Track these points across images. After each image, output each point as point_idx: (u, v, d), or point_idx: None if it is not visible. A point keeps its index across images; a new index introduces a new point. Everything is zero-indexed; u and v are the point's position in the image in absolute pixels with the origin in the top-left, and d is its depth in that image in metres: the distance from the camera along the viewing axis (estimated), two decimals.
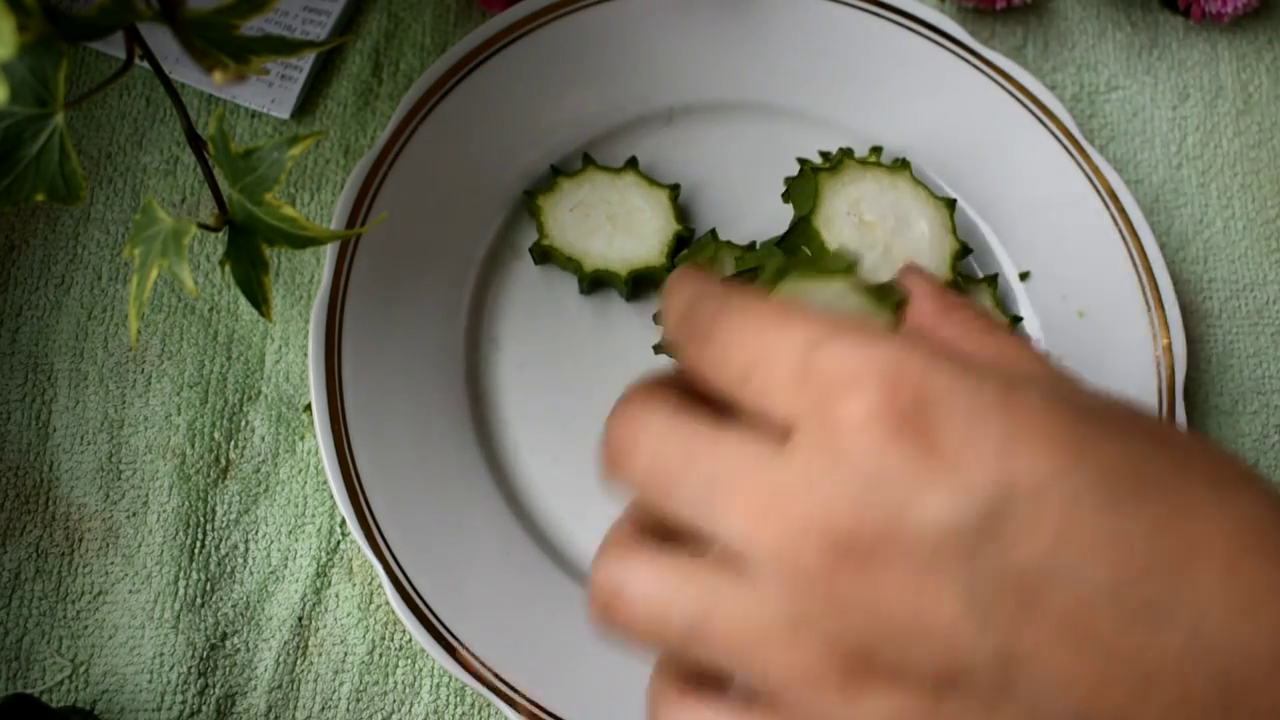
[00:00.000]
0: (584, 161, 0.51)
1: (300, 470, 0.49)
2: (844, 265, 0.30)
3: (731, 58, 0.53)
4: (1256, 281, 0.54)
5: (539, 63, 0.52)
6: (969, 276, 0.50)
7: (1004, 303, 0.50)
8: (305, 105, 0.53)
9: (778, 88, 0.53)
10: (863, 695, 0.24)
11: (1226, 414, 0.52)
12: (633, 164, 0.51)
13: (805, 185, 0.48)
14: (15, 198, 0.37)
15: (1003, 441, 0.23)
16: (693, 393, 0.28)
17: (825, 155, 0.52)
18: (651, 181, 0.51)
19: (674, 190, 0.51)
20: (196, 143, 0.41)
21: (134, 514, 0.48)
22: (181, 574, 0.47)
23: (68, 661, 0.47)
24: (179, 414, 0.49)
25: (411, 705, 0.47)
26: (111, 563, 0.48)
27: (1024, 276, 0.51)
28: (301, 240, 0.39)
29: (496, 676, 0.45)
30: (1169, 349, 0.49)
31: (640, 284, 0.50)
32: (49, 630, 0.47)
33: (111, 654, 0.47)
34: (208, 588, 0.47)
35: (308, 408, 0.50)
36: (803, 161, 0.49)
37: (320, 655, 0.47)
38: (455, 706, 0.47)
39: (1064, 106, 0.52)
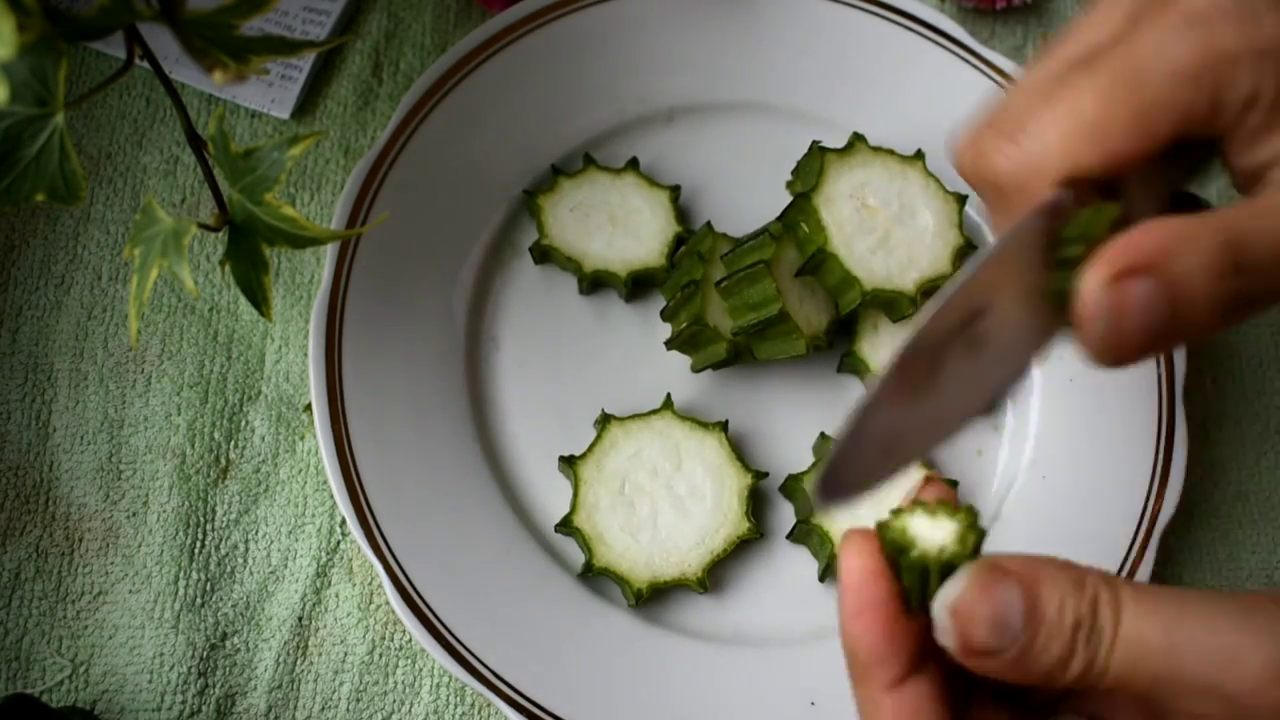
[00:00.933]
0: (584, 162, 0.51)
1: (300, 470, 0.49)
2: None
3: (731, 58, 0.53)
4: None
5: (539, 63, 0.52)
6: None
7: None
8: (305, 105, 0.53)
9: (778, 88, 0.53)
10: None
11: (1226, 414, 0.52)
12: (633, 164, 0.51)
13: (812, 163, 0.48)
14: (15, 198, 0.37)
15: None
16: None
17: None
18: (652, 182, 0.51)
19: (674, 191, 0.51)
20: (196, 143, 0.41)
21: (134, 514, 0.48)
22: (181, 574, 0.47)
23: (68, 661, 0.47)
24: (179, 414, 0.49)
25: (411, 705, 0.47)
26: (111, 563, 0.48)
27: None
28: (301, 240, 0.39)
29: (496, 676, 0.45)
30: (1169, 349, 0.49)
31: (640, 285, 0.50)
32: (49, 630, 0.47)
33: (111, 654, 0.47)
34: (208, 588, 0.47)
35: (308, 408, 0.50)
36: (815, 142, 0.49)
37: (320, 655, 0.47)
38: (455, 706, 0.47)
39: None
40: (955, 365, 0.26)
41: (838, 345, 0.49)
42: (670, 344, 0.48)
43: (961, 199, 0.49)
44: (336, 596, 0.48)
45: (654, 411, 0.47)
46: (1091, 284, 0.27)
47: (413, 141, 0.50)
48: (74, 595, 0.47)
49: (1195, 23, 0.28)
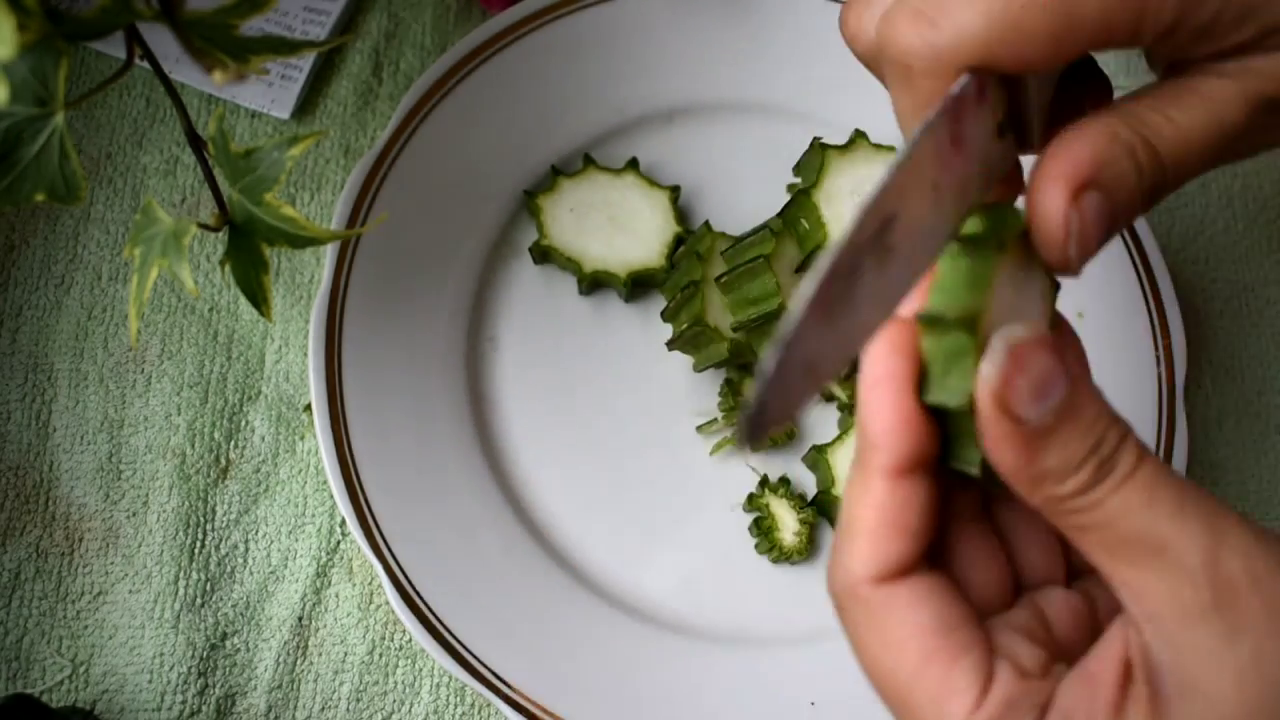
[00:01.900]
0: (584, 162, 0.51)
1: (300, 470, 0.49)
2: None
3: (731, 58, 0.53)
4: (1257, 282, 0.54)
5: (539, 63, 0.52)
6: None
7: None
8: (305, 105, 0.53)
9: (778, 88, 0.53)
10: None
11: (1226, 415, 0.52)
12: (633, 165, 0.51)
13: (813, 160, 0.48)
14: (15, 198, 0.37)
15: None
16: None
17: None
18: (652, 183, 0.51)
19: (674, 191, 0.51)
20: (196, 143, 0.41)
21: (134, 514, 0.48)
22: (181, 574, 0.47)
23: (68, 661, 0.47)
24: (179, 414, 0.49)
25: (411, 705, 0.47)
26: (111, 563, 0.48)
27: None
28: (301, 240, 0.39)
29: (496, 676, 0.45)
30: (1169, 349, 0.49)
31: (639, 285, 0.50)
32: (49, 630, 0.47)
33: (111, 654, 0.47)
34: (208, 588, 0.47)
35: (308, 408, 0.50)
36: (816, 139, 0.49)
37: (320, 655, 0.47)
38: (455, 706, 0.47)
39: None
40: (868, 278, 0.25)
41: None
42: (671, 344, 0.48)
43: None
44: (336, 596, 0.48)
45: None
46: (1054, 206, 0.28)
47: (413, 141, 0.50)
48: (74, 595, 0.47)
49: None
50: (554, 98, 0.52)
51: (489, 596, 0.46)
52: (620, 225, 0.50)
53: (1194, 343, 0.52)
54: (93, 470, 0.48)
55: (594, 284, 0.50)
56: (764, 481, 0.48)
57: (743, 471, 0.49)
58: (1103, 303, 0.50)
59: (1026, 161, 0.31)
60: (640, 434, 0.49)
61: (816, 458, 0.48)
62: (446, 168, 0.50)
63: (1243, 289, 0.54)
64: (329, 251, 0.48)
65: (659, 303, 0.51)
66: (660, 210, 0.51)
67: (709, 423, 0.50)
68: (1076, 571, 0.32)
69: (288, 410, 0.50)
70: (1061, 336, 0.30)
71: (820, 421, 0.50)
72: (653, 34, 0.53)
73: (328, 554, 0.48)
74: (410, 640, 0.47)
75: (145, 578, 0.47)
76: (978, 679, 0.27)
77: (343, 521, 0.48)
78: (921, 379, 0.28)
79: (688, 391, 0.50)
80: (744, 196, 0.52)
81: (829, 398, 0.50)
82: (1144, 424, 0.49)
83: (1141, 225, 0.51)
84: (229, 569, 0.48)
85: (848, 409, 0.49)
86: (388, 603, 0.47)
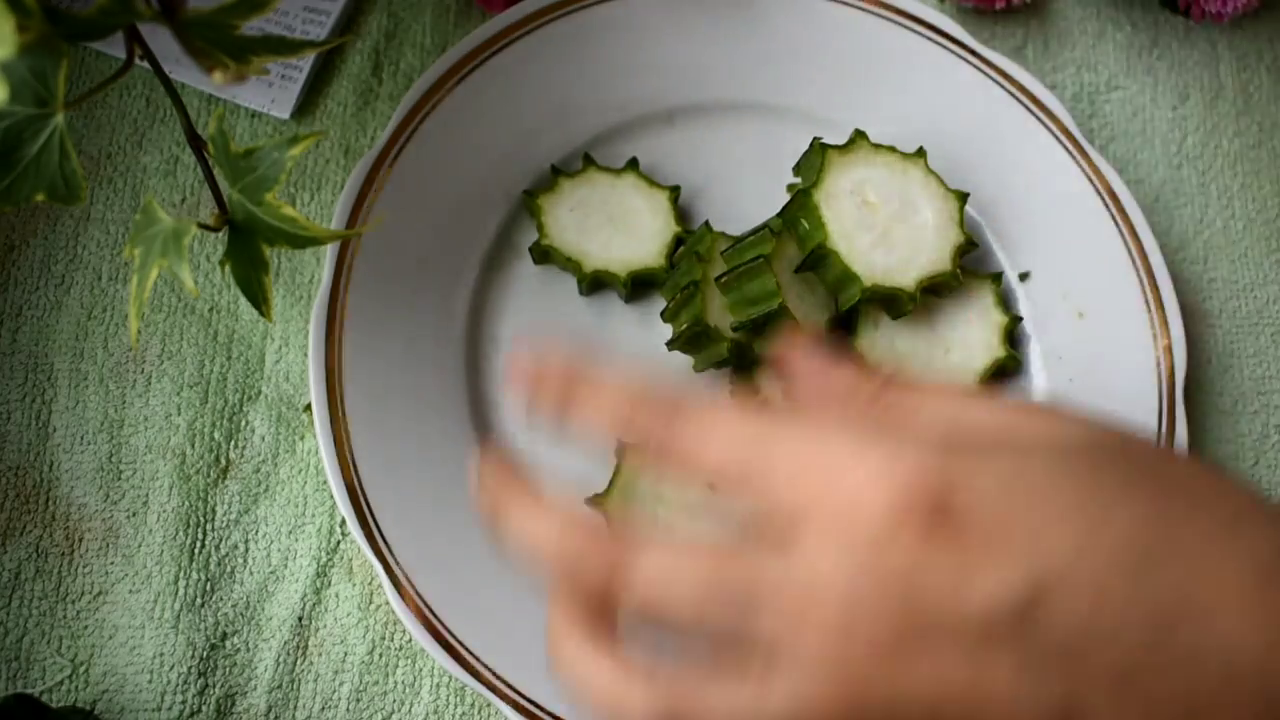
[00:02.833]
0: (584, 162, 0.51)
1: (300, 470, 0.49)
2: None
3: (731, 58, 0.53)
4: (1256, 281, 0.54)
5: (539, 63, 0.52)
6: (972, 272, 0.50)
7: (1006, 300, 0.50)
8: (305, 105, 0.53)
9: (778, 88, 0.53)
10: None
11: (1226, 414, 0.52)
12: (633, 165, 0.51)
13: (813, 160, 0.48)
14: (15, 198, 0.37)
15: (1027, 528, 0.26)
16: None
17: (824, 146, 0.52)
18: (652, 183, 0.51)
19: (674, 192, 0.51)
20: (196, 143, 0.41)
21: (134, 514, 0.48)
22: (181, 574, 0.47)
23: (68, 661, 0.47)
24: (179, 414, 0.49)
25: (411, 705, 0.47)
26: (111, 563, 0.48)
27: (1024, 276, 0.51)
28: (301, 240, 0.39)
29: (496, 676, 0.45)
30: (1169, 349, 0.49)
31: (640, 285, 0.50)
32: (49, 630, 0.47)
33: (111, 654, 0.47)
34: (208, 588, 0.47)
35: (308, 408, 0.50)
36: (816, 139, 0.49)
37: (320, 655, 0.47)
38: (455, 706, 0.47)
39: (1064, 106, 0.52)
40: None
41: (837, 341, 0.49)
42: (671, 345, 0.48)
43: (963, 196, 0.49)
44: (336, 596, 0.48)
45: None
46: None
47: (413, 141, 0.50)
48: (74, 595, 0.47)
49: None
50: (554, 98, 0.52)
51: (489, 596, 0.46)
52: (620, 225, 0.50)
53: (1194, 342, 0.52)
54: (93, 470, 0.48)
55: (594, 284, 0.50)
56: None
57: None
58: (1103, 303, 0.50)
59: None
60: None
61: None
62: (447, 168, 0.50)
63: (1242, 288, 0.54)
64: (329, 251, 0.48)
65: (659, 303, 0.51)
66: (660, 211, 0.51)
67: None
68: None
69: (288, 410, 0.50)
70: None
71: None
72: (653, 34, 0.53)
73: (328, 554, 0.48)
74: (410, 640, 0.47)
75: (145, 578, 0.47)
76: None
77: (343, 521, 0.48)
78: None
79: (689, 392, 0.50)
80: (744, 196, 0.52)
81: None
82: (1144, 424, 0.49)
83: (1141, 225, 0.51)
84: (229, 569, 0.48)
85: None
86: (388, 603, 0.47)
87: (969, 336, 0.49)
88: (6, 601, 0.47)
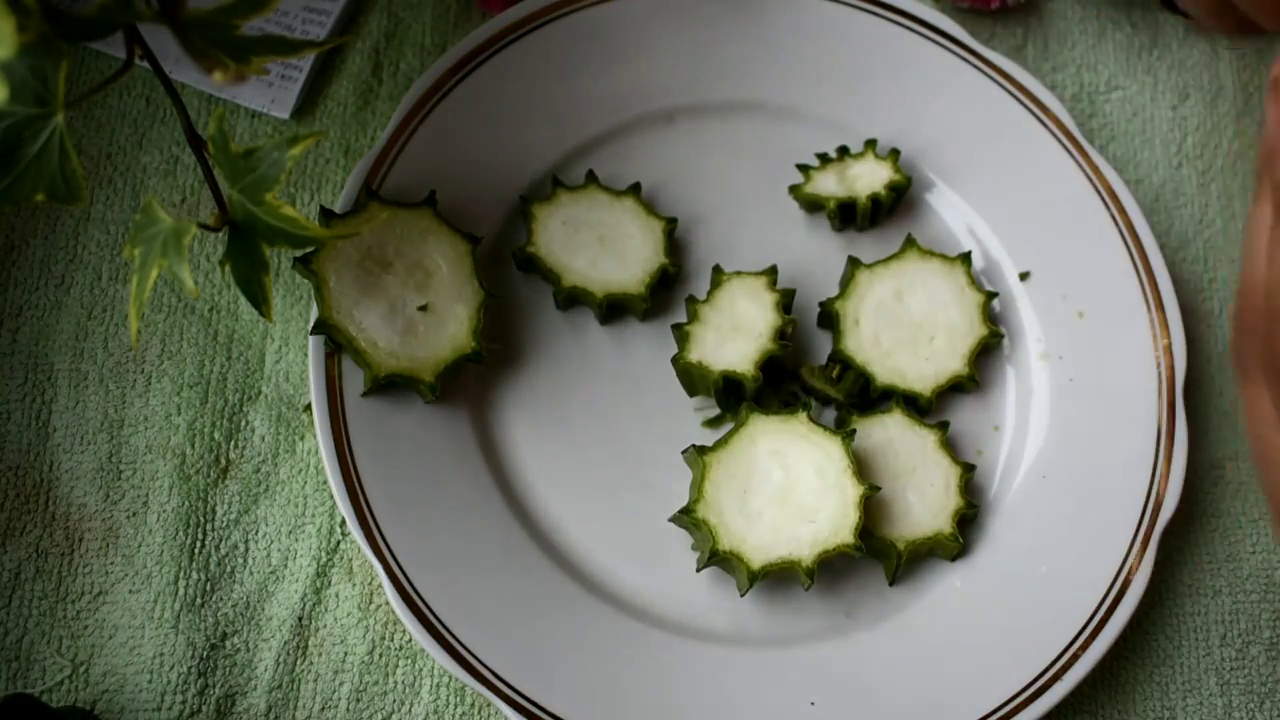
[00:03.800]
0: (588, 178, 0.51)
1: (300, 470, 0.49)
2: None
3: (731, 58, 0.53)
4: None
5: (539, 63, 0.52)
6: (940, 255, 0.50)
7: (978, 281, 0.50)
8: (305, 105, 0.53)
9: (778, 88, 0.53)
10: None
11: (1226, 414, 0.52)
12: (635, 189, 0.51)
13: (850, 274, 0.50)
14: (15, 198, 0.37)
15: None
16: None
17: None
18: (650, 211, 0.51)
19: (670, 224, 0.51)
20: (196, 143, 0.41)
21: (134, 514, 0.48)
22: (181, 574, 0.47)
23: (68, 661, 0.47)
24: (179, 414, 0.49)
25: (411, 705, 0.47)
26: (111, 563, 0.48)
27: (1024, 276, 0.51)
28: (301, 240, 0.39)
29: (496, 676, 0.45)
30: (1169, 349, 0.49)
31: (614, 309, 0.50)
32: (49, 630, 0.47)
33: (111, 654, 0.47)
34: (208, 588, 0.47)
35: (308, 408, 0.50)
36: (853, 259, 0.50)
37: (320, 655, 0.47)
38: (455, 706, 0.47)
39: (1064, 106, 0.52)
40: None
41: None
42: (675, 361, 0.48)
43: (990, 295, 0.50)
44: (336, 596, 0.48)
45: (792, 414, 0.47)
46: None
47: (413, 142, 0.50)
48: (74, 595, 0.47)
49: None
50: (553, 98, 0.52)
51: (489, 596, 0.46)
52: (608, 246, 0.50)
53: (1194, 342, 0.52)
54: (93, 470, 0.48)
55: (570, 299, 0.50)
56: None
57: None
58: (1103, 303, 0.50)
59: None
60: (641, 434, 0.49)
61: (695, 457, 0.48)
62: (446, 168, 0.50)
63: None
64: None
65: (634, 325, 0.50)
66: (652, 239, 0.50)
67: (715, 419, 0.50)
68: None
69: (288, 410, 0.50)
70: None
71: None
72: (653, 34, 0.53)
73: (328, 554, 0.48)
74: (410, 640, 0.47)
75: (145, 578, 0.47)
76: None
77: (343, 521, 0.48)
78: None
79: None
80: (744, 196, 0.52)
81: (816, 394, 0.49)
82: (1144, 424, 0.49)
83: (1141, 225, 0.51)
84: (229, 569, 0.48)
85: (837, 403, 0.49)
86: (388, 603, 0.47)
87: (951, 320, 0.49)
88: (6, 601, 0.47)
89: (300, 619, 0.47)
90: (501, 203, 0.51)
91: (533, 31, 0.52)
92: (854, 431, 0.46)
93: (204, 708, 0.46)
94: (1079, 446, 0.49)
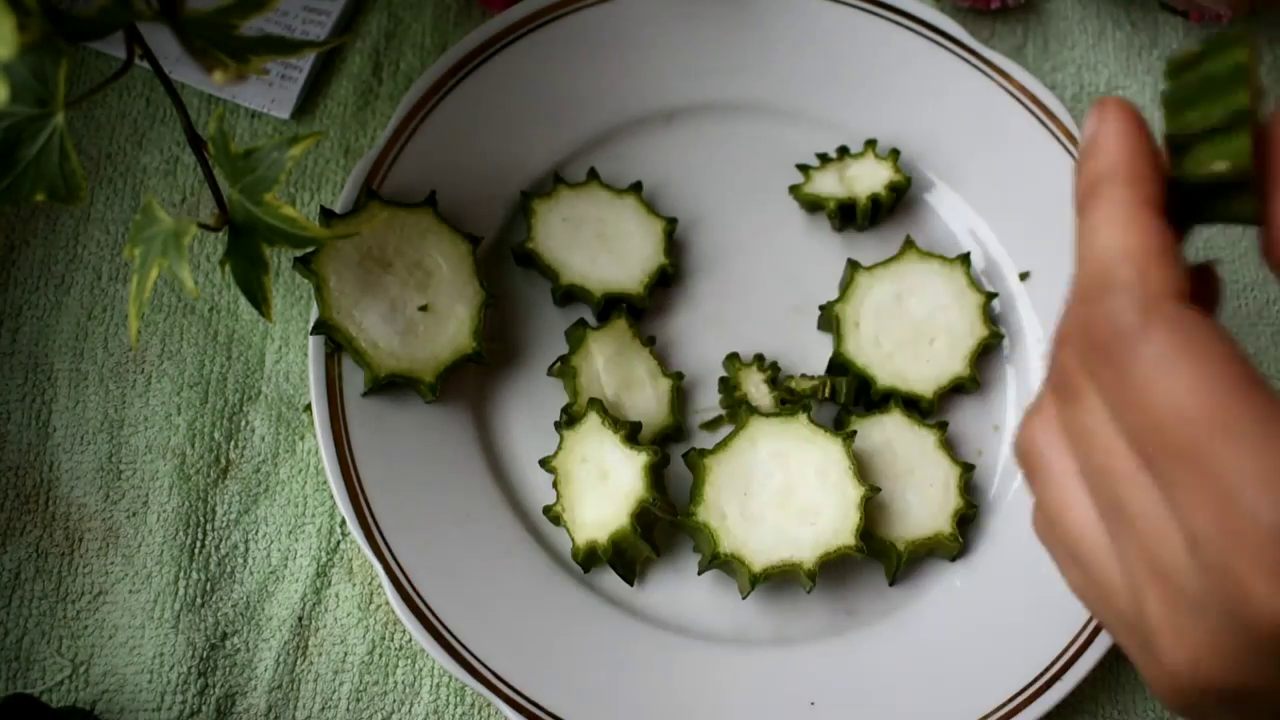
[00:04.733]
0: (589, 175, 0.51)
1: (300, 470, 0.49)
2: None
3: (731, 58, 0.53)
4: (1256, 281, 0.54)
5: (539, 63, 0.52)
6: (940, 256, 0.50)
7: (977, 282, 0.50)
8: (305, 105, 0.53)
9: (778, 88, 0.53)
10: None
11: None
12: (636, 188, 0.51)
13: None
14: (15, 198, 0.37)
15: None
16: None
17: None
18: (650, 210, 0.51)
19: (670, 224, 0.51)
20: (196, 143, 0.41)
21: (134, 514, 0.48)
22: (181, 574, 0.47)
23: (68, 661, 0.47)
24: (179, 414, 0.49)
25: (411, 705, 0.47)
26: (111, 563, 0.48)
27: (1024, 276, 0.51)
28: (301, 240, 0.39)
29: (496, 676, 0.45)
30: None
31: (613, 307, 0.50)
32: (49, 630, 0.47)
33: (111, 654, 0.47)
34: (208, 588, 0.47)
35: (308, 408, 0.50)
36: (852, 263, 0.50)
37: (320, 655, 0.47)
38: (455, 706, 0.47)
39: (1064, 106, 0.52)
40: None
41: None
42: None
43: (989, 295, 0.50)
44: (336, 596, 0.48)
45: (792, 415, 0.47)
46: None
47: (413, 142, 0.50)
48: (74, 595, 0.47)
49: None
50: (554, 98, 0.52)
51: (489, 596, 0.46)
52: (608, 245, 0.50)
53: None
54: (93, 470, 0.48)
55: (567, 296, 0.50)
56: None
57: None
58: None
59: None
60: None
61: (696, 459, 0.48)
62: (446, 168, 0.50)
63: (1242, 288, 0.54)
64: None
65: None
66: (652, 239, 0.50)
67: (713, 421, 0.50)
68: None
69: (288, 410, 0.50)
70: None
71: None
72: (653, 34, 0.53)
73: (328, 554, 0.48)
74: (410, 640, 0.47)
75: (145, 578, 0.47)
76: None
77: (343, 521, 0.48)
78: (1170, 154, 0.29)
79: (688, 391, 0.50)
80: (744, 197, 0.52)
81: (803, 394, 0.49)
82: None
83: None
84: (229, 569, 0.48)
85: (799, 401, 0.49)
86: (388, 603, 0.47)
87: (951, 321, 0.49)
88: (6, 601, 0.47)
89: (300, 619, 0.47)
90: (502, 203, 0.51)
91: (533, 31, 0.52)
92: (855, 433, 0.46)
93: (204, 708, 0.46)
94: None
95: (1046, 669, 0.45)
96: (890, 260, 0.50)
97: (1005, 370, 0.51)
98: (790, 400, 0.49)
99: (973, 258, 0.52)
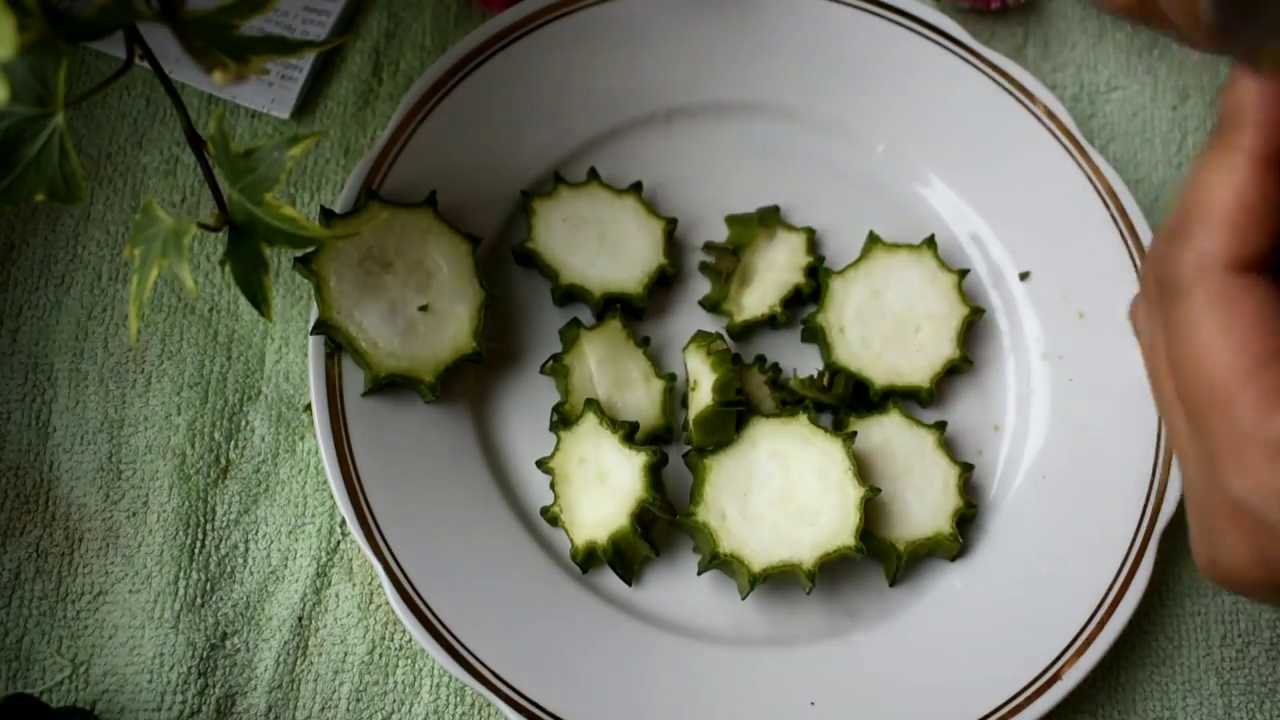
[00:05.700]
0: (589, 175, 0.51)
1: (300, 470, 0.49)
2: None
3: (731, 58, 0.53)
4: None
5: (539, 63, 0.52)
6: (906, 245, 0.50)
7: (946, 263, 0.50)
8: (305, 105, 0.53)
9: (778, 88, 0.53)
10: None
11: None
12: (636, 188, 0.51)
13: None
14: (15, 198, 0.37)
15: None
16: None
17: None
18: (651, 211, 0.51)
19: (670, 224, 0.51)
20: (196, 143, 0.41)
21: (134, 514, 0.48)
22: (181, 574, 0.47)
23: (68, 661, 0.47)
24: (179, 414, 0.49)
25: (411, 705, 0.47)
26: (111, 563, 0.48)
27: (1024, 276, 0.51)
28: (301, 240, 0.39)
29: (496, 676, 0.45)
30: None
31: (611, 306, 0.50)
32: (49, 630, 0.47)
33: (111, 654, 0.47)
34: (208, 588, 0.47)
35: (308, 408, 0.50)
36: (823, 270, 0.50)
37: (320, 655, 0.47)
38: (455, 706, 0.47)
39: (1064, 106, 0.52)
40: None
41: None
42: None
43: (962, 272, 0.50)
44: (336, 596, 0.48)
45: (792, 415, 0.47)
46: None
47: (413, 141, 0.50)
48: (74, 595, 0.47)
49: None
50: (553, 98, 0.52)
51: (489, 596, 0.46)
52: (608, 245, 0.50)
53: None
54: (93, 470, 0.48)
55: (567, 296, 0.50)
56: None
57: None
58: (1103, 303, 0.50)
59: None
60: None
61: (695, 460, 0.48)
62: (446, 168, 0.50)
63: None
64: None
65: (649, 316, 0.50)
66: (651, 239, 0.50)
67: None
68: None
69: (288, 410, 0.50)
70: None
71: None
72: (653, 34, 0.53)
73: (328, 554, 0.48)
74: (410, 640, 0.47)
75: (145, 578, 0.47)
76: None
77: (343, 521, 0.48)
78: None
79: (682, 392, 0.50)
80: (744, 197, 0.52)
81: (790, 394, 0.49)
82: (1144, 424, 0.49)
83: (1141, 225, 0.51)
84: (229, 569, 0.48)
85: (833, 407, 0.49)
86: (388, 603, 0.47)
87: (931, 306, 0.50)
88: (6, 601, 0.47)
89: (300, 619, 0.47)
90: (502, 203, 0.51)
91: (533, 31, 0.52)
92: (854, 434, 0.46)
93: (204, 708, 0.46)
94: (1079, 446, 0.49)
95: (1046, 669, 0.46)
96: (859, 260, 0.50)
97: (1005, 371, 0.51)
98: (790, 401, 0.49)
99: (973, 258, 0.52)
